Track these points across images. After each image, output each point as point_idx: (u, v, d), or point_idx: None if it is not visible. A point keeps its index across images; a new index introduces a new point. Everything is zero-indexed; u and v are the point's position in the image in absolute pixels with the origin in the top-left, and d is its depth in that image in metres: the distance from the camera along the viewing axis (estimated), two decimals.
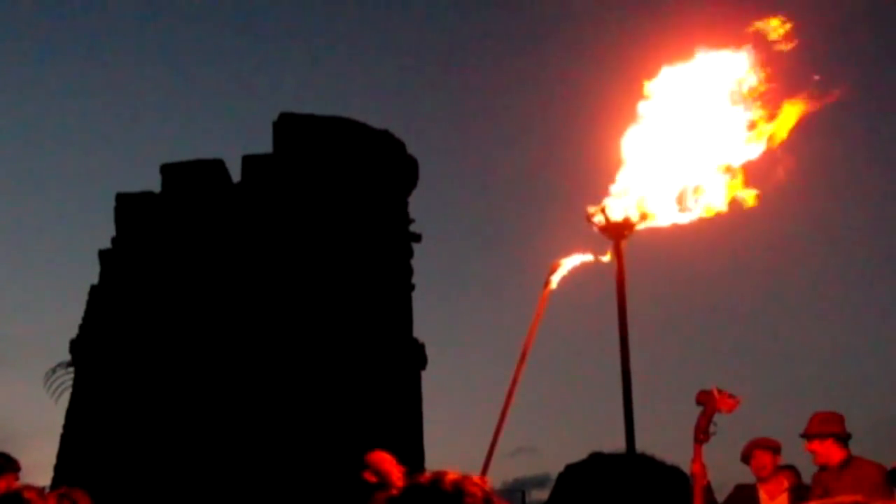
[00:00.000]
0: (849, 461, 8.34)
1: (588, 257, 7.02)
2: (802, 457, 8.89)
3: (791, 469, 9.60)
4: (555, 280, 6.79)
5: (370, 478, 7.01)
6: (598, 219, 7.86)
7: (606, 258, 7.11)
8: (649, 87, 8.23)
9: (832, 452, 8.35)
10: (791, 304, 40.12)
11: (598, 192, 7.91)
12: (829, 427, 8.38)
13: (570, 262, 6.93)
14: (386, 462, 7.11)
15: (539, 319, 6.58)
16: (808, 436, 8.44)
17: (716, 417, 6.78)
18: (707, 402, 6.73)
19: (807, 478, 9.26)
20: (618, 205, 8.04)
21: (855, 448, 8.49)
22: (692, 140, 8.21)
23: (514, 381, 6.54)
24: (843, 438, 8.38)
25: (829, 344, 39.86)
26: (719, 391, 6.82)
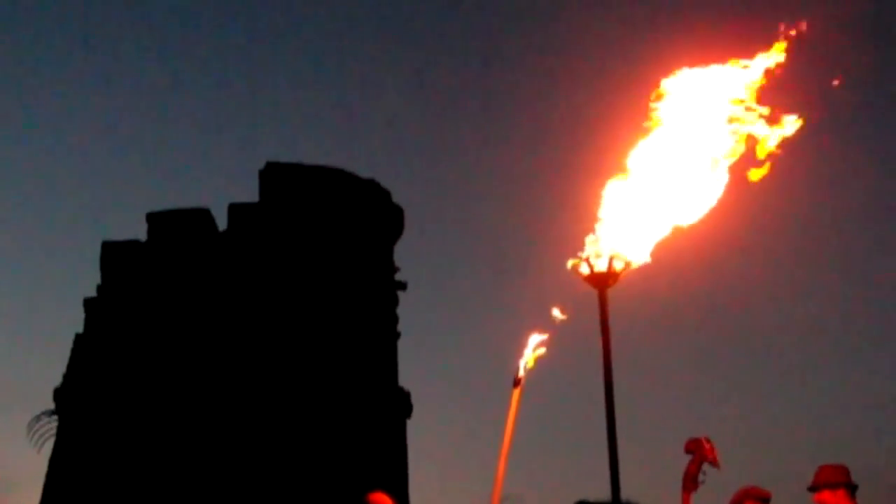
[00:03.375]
0: None
1: (543, 336, 7.01)
2: None
3: None
4: (523, 369, 6.73)
5: None
6: (583, 269, 7.99)
7: (559, 315, 7.17)
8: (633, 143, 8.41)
9: (843, 503, 8.37)
10: (780, 350, 40.24)
11: (582, 242, 8.05)
12: (840, 477, 8.41)
13: (526, 355, 6.90)
14: None
15: (514, 421, 6.50)
16: (818, 486, 8.44)
17: (705, 466, 6.84)
18: (696, 451, 6.80)
19: None
20: (601, 254, 8.18)
21: None
22: (670, 189, 8.37)
23: (499, 481, 6.44)
24: (853, 489, 8.43)
25: (819, 393, 39.92)
26: (708, 440, 6.89)
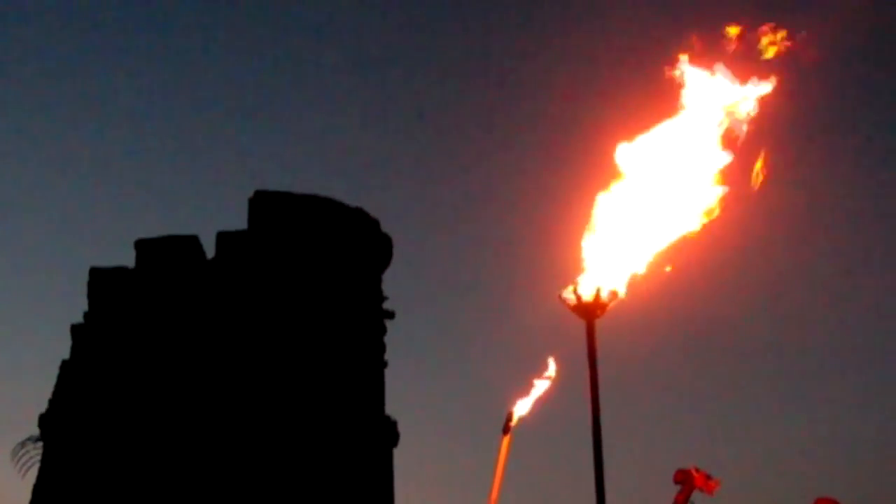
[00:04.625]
0: None
1: (530, 399, 7.08)
2: None
3: None
4: (515, 418, 6.77)
5: None
6: (570, 299, 8.06)
7: (550, 372, 7.23)
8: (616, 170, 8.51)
9: None
10: (771, 379, 40.32)
11: (571, 273, 8.12)
12: None
13: (520, 408, 6.96)
14: None
15: (503, 469, 6.52)
16: None
17: (693, 496, 6.88)
18: (685, 481, 6.83)
19: None
20: (589, 285, 8.25)
21: None
22: (654, 218, 8.48)
23: None
24: None
25: (811, 424, 39.98)
26: (698, 470, 6.93)
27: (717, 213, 8.39)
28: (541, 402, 6.97)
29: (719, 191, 8.36)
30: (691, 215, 8.46)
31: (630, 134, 8.47)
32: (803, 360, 41.30)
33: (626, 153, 8.66)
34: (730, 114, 8.81)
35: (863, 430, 38.85)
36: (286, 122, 48.21)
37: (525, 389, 6.95)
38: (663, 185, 8.41)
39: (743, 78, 8.77)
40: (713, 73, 8.81)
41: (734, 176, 8.34)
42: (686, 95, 8.84)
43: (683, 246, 8.31)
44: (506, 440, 6.49)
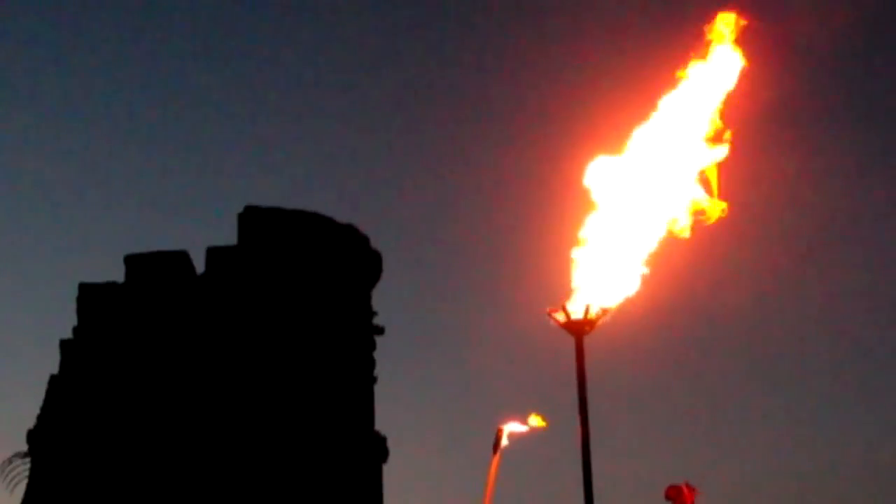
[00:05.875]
0: None
1: (524, 427, 7.15)
2: None
3: None
4: (504, 439, 6.82)
5: None
6: (559, 316, 8.09)
7: (538, 423, 7.27)
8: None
9: None
10: (765, 397, 40.46)
11: (560, 290, 8.16)
12: None
13: (508, 429, 7.01)
14: None
15: (493, 486, 6.55)
16: None
17: None
18: (676, 498, 6.87)
19: None
20: (578, 302, 8.29)
21: None
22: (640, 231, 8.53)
23: None
24: None
25: (796, 441, 40.06)
26: (689, 487, 6.97)
27: (704, 217, 8.44)
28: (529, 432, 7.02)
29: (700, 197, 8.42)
30: (678, 225, 8.51)
31: (613, 149, 8.54)
32: (793, 375, 41.42)
33: (611, 168, 8.71)
34: (710, 116, 8.87)
35: (849, 452, 39.08)
36: (276, 137, 48.27)
37: (514, 412, 7.02)
38: (646, 201, 8.47)
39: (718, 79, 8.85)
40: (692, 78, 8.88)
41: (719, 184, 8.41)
42: (666, 102, 8.92)
43: (670, 259, 8.38)
44: (496, 458, 6.54)
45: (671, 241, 8.41)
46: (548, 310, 7.88)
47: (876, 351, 42.81)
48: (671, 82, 9.00)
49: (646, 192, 8.52)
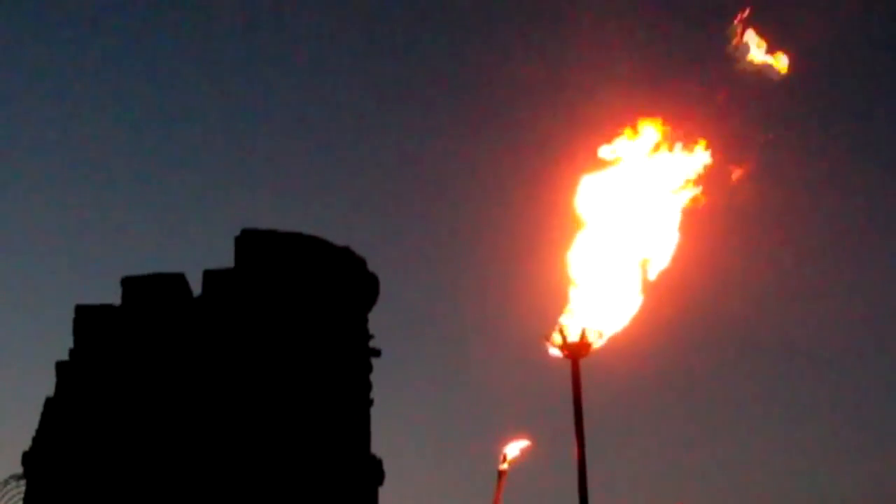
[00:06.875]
0: None
1: (526, 443, 7.23)
2: None
3: None
4: (508, 458, 6.89)
5: None
6: (556, 339, 8.13)
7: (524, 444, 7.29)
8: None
9: None
10: (762, 420, 40.52)
11: (557, 313, 8.20)
12: None
13: (512, 449, 7.09)
14: None
15: None
16: None
17: None
18: None
19: None
20: (574, 325, 8.33)
21: None
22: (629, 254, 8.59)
23: None
24: None
25: (791, 466, 40.08)
26: None
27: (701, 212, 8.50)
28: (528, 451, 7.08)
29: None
30: (673, 233, 8.59)
31: (606, 165, 8.61)
32: (794, 391, 41.46)
33: (604, 187, 8.79)
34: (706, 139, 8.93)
35: (846, 474, 39.03)
36: (273, 160, 48.41)
37: (512, 433, 7.07)
38: (639, 219, 8.54)
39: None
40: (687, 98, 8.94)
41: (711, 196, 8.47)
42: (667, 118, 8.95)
43: (665, 279, 8.43)
44: (501, 481, 6.59)
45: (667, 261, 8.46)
46: (544, 334, 7.92)
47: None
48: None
49: (636, 210, 8.60)
